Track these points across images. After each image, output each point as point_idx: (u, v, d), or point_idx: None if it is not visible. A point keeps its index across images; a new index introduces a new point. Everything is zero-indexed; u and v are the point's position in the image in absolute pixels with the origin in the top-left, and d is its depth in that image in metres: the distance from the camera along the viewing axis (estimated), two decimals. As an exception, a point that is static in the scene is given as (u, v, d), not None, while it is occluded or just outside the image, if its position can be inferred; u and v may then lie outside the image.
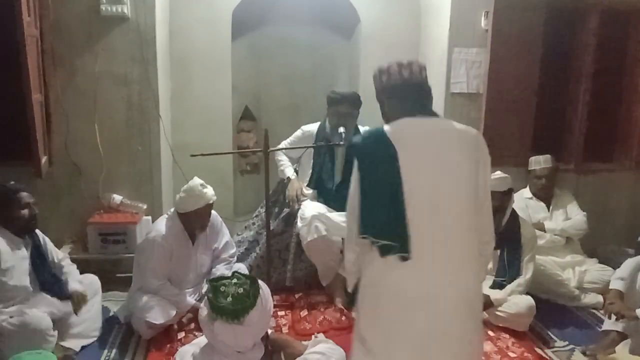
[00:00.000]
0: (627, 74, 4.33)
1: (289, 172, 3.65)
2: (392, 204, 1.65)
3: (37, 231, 2.89)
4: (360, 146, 1.75)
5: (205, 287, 3.27)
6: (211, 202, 3.13)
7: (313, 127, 3.65)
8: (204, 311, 1.88)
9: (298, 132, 3.69)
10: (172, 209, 3.21)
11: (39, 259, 2.85)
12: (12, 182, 2.79)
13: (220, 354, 1.89)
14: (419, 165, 1.67)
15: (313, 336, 2.82)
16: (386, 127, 1.72)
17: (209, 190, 3.12)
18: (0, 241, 2.66)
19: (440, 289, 1.66)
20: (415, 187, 1.65)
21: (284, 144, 3.69)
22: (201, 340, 2.07)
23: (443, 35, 4.07)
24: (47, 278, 2.85)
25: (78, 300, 2.84)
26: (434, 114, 1.79)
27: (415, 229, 1.63)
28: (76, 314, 2.83)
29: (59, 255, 3.03)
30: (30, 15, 3.26)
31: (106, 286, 3.24)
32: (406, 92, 1.77)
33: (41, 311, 2.64)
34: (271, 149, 3.23)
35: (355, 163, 1.74)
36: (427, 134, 1.72)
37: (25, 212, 2.75)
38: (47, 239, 2.97)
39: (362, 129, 3.70)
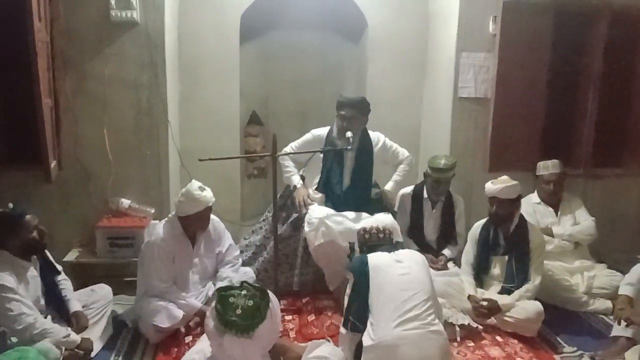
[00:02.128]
0: (637, 79, 4.31)
1: (295, 180, 3.66)
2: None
3: None
4: (352, 268, 2.76)
5: (211, 289, 3.28)
6: (210, 204, 3.14)
7: (323, 132, 3.66)
8: (210, 322, 1.81)
9: (308, 136, 3.69)
10: (173, 213, 3.22)
11: (49, 274, 2.85)
12: (11, 206, 2.69)
13: None
14: (385, 278, 2.60)
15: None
16: (369, 256, 2.72)
17: (208, 193, 3.13)
18: (6, 278, 2.56)
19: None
20: (381, 292, 2.57)
21: (291, 146, 3.69)
22: (204, 347, 2.00)
23: (451, 40, 4.07)
24: (55, 294, 2.85)
25: (80, 325, 2.84)
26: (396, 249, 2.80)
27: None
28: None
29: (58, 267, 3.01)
30: (41, 21, 3.29)
31: (114, 290, 3.25)
32: (378, 246, 2.82)
33: (48, 342, 2.59)
34: (279, 153, 3.24)
35: (352, 275, 2.72)
36: (391, 260, 2.70)
37: (35, 234, 2.70)
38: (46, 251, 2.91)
39: (372, 134, 3.69)
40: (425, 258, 3.67)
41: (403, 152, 3.81)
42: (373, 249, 2.79)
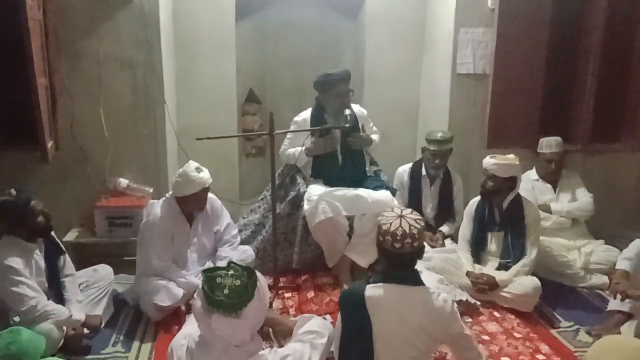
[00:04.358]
0: (636, 54, 4.26)
1: (298, 148, 3.55)
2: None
3: None
4: (342, 305, 2.18)
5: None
6: (207, 185, 3.13)
7: (305, 115, 3.62)
8: (197, 303, 1.81)
9: (293, 127, 3.65)
10: (170, 192, 3.23)
11: (53, 257, 2.86)
12: (13, 191, 2.66)
13: (216, 349, 1.83)
14: (387, 327, 2.09)
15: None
16: (367, 293, 2.09)
17: (205, 174, 3.11)
18: (14, 260, 2.61)
19: None
20: (383, 344, 2.09)
21: (284, 144, 3.68)
22: (191, 330, 1.99)
23: (449, 15, 4.02)
24: (57, 278, 2.86)
25: (92, 327, 2.85)
26: (414, 282, 2.15)
27: None
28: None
29: (68, 266, 2.99)
30: (34, -1, 3.25)
31: (114, 269, 3.26)
32: (394, 260, 2.13)
33: (50, 323, 2.62)
34: (277, 131, 3.22)
35: (340, 312, 2.19)
36: (400, 303, 2.10)
37: (41, 219, 2.72)
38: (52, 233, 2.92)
39: (354, 107, 3.64)
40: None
41: (376, 129, 3.81)
42: (392, 272, 2.14)
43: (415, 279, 2.16)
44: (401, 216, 2.11)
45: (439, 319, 2.11)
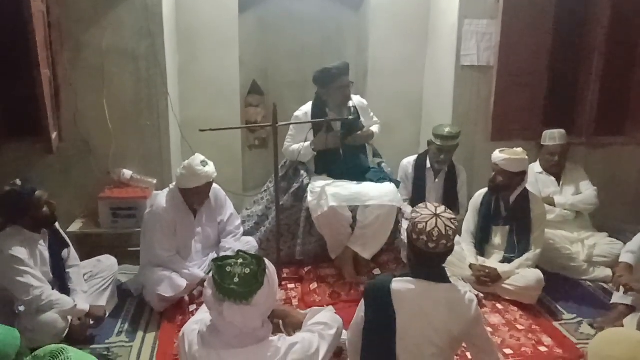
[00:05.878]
0: (641, 46, 4.25)
1: (302, 143, 3.57)
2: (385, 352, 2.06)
3: None
4: (367, 297, 2.12)
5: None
6: (211, 179, 3.13)
7: (306, 109, 3.60)
8: (208, 291, 1.84)
9: (294, 120, 3.63)
10: (174, 183, 3.24)
11: (57, 248, 2.87)
12: (19, 182, 2.67)
13: (227, 335, 1.87)
14: (410, 322, 2.05)
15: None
16: (393, 286, 2.05)
17: (210, 168, 3.11)
18: (18, 250, 2.63)
19: None
20: (404, 338, 2.05)
21: (287, 140, 3.66)
22: (203, 317, 2.04)
23: (453, 6, 4.00)
24: (61, 268, 2.87)
25: (96, 318, 2.87)
26: (441, 280, 2.11)
27: None
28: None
29: (72, 257, 3.00)
30: (37, -10, 3.24)
31: (118, 260, 3.29)
32: (425, 258, 2.08)
33: (55, 313, 2.65)
34: (280, 123, 3.22)
35: (363, 302, 2.13)
36: (425, 299, 2.06)
37: (46, 209, 2.73)
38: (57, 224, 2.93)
39: (354, 98, 3.63)
40: None
41: (376, 119, 3.80)
42: (420, 269, 2.11)
43: (442, 276, 2.13)
44: (436, 215, 2.03)
45: (461, 319, 2.07)
